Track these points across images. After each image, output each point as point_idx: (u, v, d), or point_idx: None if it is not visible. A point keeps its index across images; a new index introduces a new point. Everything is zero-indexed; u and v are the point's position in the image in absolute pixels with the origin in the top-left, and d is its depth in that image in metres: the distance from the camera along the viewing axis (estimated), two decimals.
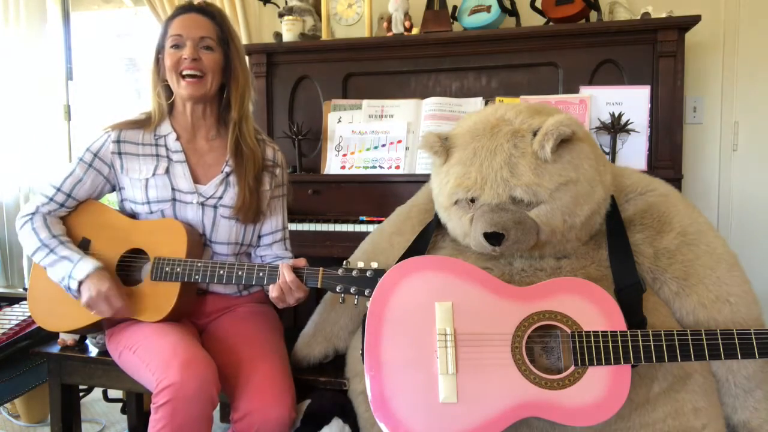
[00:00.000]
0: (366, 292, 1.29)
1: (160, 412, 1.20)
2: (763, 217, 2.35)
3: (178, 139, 1.51)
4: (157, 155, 1.49)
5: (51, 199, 1.45)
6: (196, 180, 1.49)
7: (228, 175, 1.50)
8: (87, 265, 1.36)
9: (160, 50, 1.49)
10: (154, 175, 1.47)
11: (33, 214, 1.44)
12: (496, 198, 1.19)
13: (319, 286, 1.33)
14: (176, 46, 1.44)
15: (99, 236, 1.47)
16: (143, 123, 1.52)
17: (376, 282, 1.26)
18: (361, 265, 1.32)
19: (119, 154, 1.48)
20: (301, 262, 1.37)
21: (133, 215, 1.50)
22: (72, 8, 3.14)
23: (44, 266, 1.41)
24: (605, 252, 1.28)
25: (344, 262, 1.33)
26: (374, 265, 1.31)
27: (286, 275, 1.33)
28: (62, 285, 1.38)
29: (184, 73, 1.43)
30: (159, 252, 1.41)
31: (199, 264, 1.38)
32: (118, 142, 1.48)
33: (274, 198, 1.57)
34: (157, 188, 1.46)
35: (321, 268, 1.34)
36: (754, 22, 2.30)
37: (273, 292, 1.36)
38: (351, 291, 1.30)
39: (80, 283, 1.35)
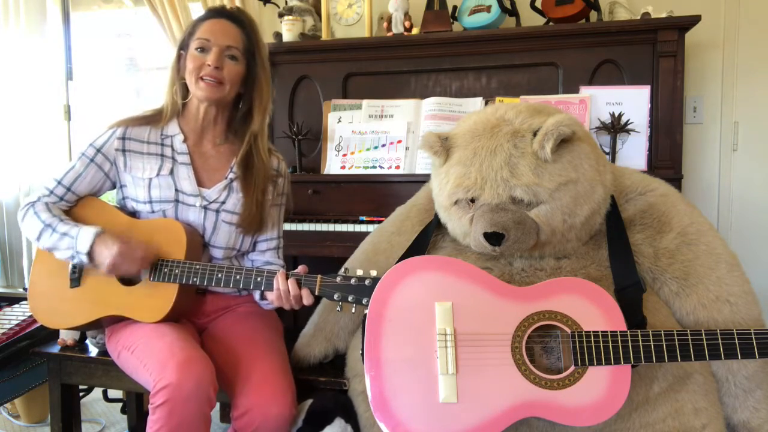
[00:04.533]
0: (364, 301, 1.27)
1: (157, 413, 1.21)
2: (763, 217, 2.35)
3: (185, 141, 1.50)
4: (162, 155, 1.49)
5: (51, 192, 1.45)
6: (200, 183, 1.49)
7: (232, 181, 1.50)
8: (87, 235, 1.36)
9: (183, 47, 1.48)
10: (158, 175, 1.47)
11: (34, 202, 1.45)
12: (496, 198, 1.19)
13: (316, 293, 1.33)
14: (201, 50, 1.43)
15: None
16: (151, 119, 1.51)
17: (374, 290, 1.26)
18: (359, 272, 1.30)
19: (123, 151, 1.48)
20: (302, 270, 1.36)
21: (133, 213, 1.49)
22: (72, 8, 3.14)
23: (50, 249, 1.40)
24: (605, 252, 1.28)
25: (343, 269, 1.32)
26: (373, 273, 1.29)
27: (290, 287, 1.32)
28: (75, 263, 1.39)
29: (204, 77, 1.42)
30: (158, 252, 1.41)
31: (198, 266, 1.38)
32: (123, 139, 1.48)
33: (273, 206, 1.56)
34: (160, 188, 1.46)
35: (319, 276, 1.32)
36: (754, 22, 2.30)
37: (272, 298, 1.37)
38: (348, 299, 1.29)
39: (89, 254, 1.35)
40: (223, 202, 1.48)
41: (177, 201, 1.46)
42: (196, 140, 1.52)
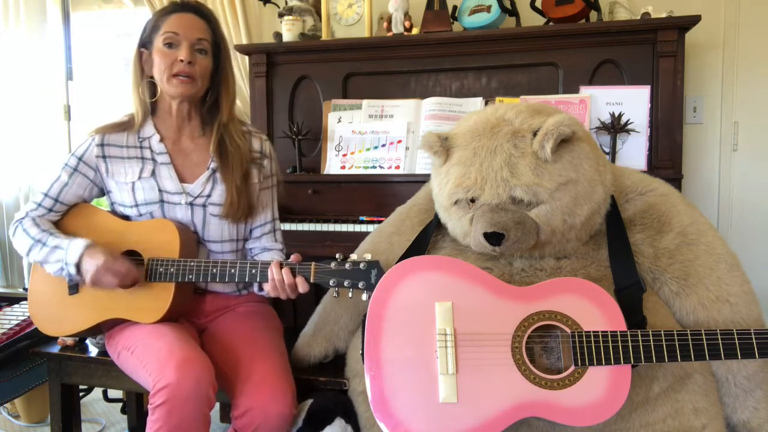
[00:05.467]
0: (360, 285, 1.27)
1: (156, 413, 1.21)
2: (763, 217, 2.35)
3: (162, 140, 1.50)
4: (142, 158, 1.48)
5: (39, 205, 1.46)
6: (182, 180, 1.48)
7: (214, 171, 1.49)
8: (77, 246, 1.36)
9: (145, 45, 1.47)
10: (140, 178, 1.46)
11: (22, 219, 1.46)
12: (496, 198, 1.19)
13: (311, 280, 1.32)
14: (170, 45, 1.42)
15: (94, 239, 1.46)
16: (126, 125, 1.51)
17: (370, 274, 1.26)
18: (353, 257, 1.31)
19: (104, 157, 1.48)
20: (296, 258, 1.36)
21: (125, 217, 1.49)
22: (72, 8, 3.14)
23: (41, 263, 1.41)
24: (605, 252, 1.28)
25: (336, 255, 1.32)
26: (367, 257, 1.29)
27: (284, 276, 1.32)
28: (64, 276, 1.39)
29: (177, 74, 1.41)
30: (153, 253, 1.41)
31: (192, 263, 1.38)
32: (102, 145, 1.48)
33: (263, 189, 1.56)
34: (144, 191, 1.46)
35: (313, 263, 1.32)
36: (754, 22, 2.30)
37: (268, 288, 1.36)
38: (344, 284, 1.29)
39: (77, 266, 1.35)
40: (209, 195, 1.48)
41: (162, 201, 1.46)
42: (175, 138, 1.52)
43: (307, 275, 1.33)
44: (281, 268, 1.33)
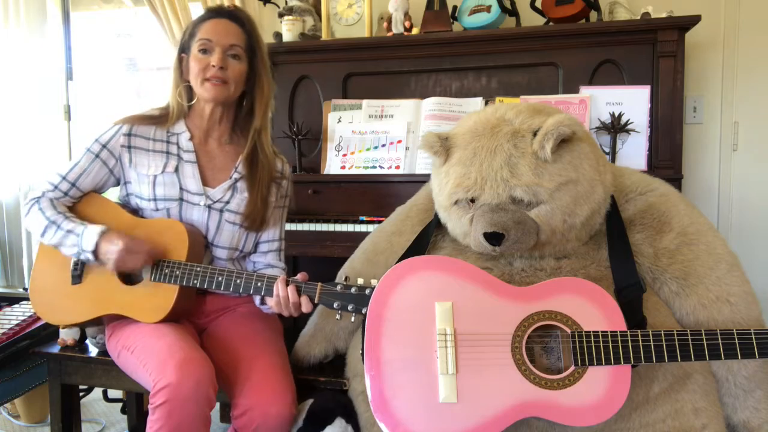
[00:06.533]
0: (363, 311, 1.26)
1: (156, 413, 1.21)
2: (763, 217, 2.35)
3: (191, 139, 1.51)
4: (168, 152, 1.49)
5: (56, 187, 1.45)
6: (204, 182, 1.49)
7: (236, 181, 1.50)
8: (92, 234, 1.36)
9: (184, 50, 1.49)
10: (163, 172, 1.47)
11: (39, 197, 1.45)
12: (496, 198, 1.19)
13: (316, 301, 1.32)
14: (204, 51, 1.44)
15: None
16: (157, 119, 1.52)
17: None
18: (360, 281, 1.29)
19: (129, 147, 1.48)
20: (302, 277, 1.36)
21: (137, 210, 1.50)
22: (72, 8, 3.14)
23: (55, 245, 1.40)
24: (605, 252, 1.28)
25: (344, 278, 1.32)
26: (374, 282, 1.28)
27: (289, 294, 1.32)
28: (82, 259, 1.39)
29: (209, 78, 1.43)
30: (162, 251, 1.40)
31: (198, 269, 1.38)
32: (129, 135, 1.48)
33: (277, 208, 1.57)
34: (165, 186, 1.46)
35: (319, 284, 1.32)
36: (754, 22, 2.31)
37: (271, 304, 1.37)
38: (348, 309, 1.28)
39: (94, 253, 1.35)
40: (228, 202, 1.48)
41: (181, 200, 1.46)
42: (202, 139, 1.53)
43: (312, 295, 1.32)
44: (287, 285, 1.33)
